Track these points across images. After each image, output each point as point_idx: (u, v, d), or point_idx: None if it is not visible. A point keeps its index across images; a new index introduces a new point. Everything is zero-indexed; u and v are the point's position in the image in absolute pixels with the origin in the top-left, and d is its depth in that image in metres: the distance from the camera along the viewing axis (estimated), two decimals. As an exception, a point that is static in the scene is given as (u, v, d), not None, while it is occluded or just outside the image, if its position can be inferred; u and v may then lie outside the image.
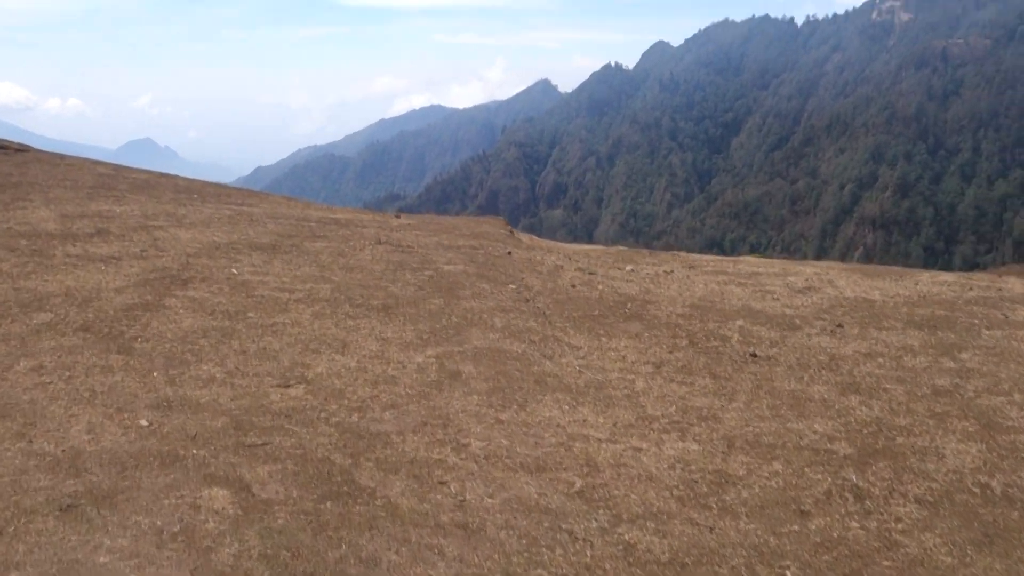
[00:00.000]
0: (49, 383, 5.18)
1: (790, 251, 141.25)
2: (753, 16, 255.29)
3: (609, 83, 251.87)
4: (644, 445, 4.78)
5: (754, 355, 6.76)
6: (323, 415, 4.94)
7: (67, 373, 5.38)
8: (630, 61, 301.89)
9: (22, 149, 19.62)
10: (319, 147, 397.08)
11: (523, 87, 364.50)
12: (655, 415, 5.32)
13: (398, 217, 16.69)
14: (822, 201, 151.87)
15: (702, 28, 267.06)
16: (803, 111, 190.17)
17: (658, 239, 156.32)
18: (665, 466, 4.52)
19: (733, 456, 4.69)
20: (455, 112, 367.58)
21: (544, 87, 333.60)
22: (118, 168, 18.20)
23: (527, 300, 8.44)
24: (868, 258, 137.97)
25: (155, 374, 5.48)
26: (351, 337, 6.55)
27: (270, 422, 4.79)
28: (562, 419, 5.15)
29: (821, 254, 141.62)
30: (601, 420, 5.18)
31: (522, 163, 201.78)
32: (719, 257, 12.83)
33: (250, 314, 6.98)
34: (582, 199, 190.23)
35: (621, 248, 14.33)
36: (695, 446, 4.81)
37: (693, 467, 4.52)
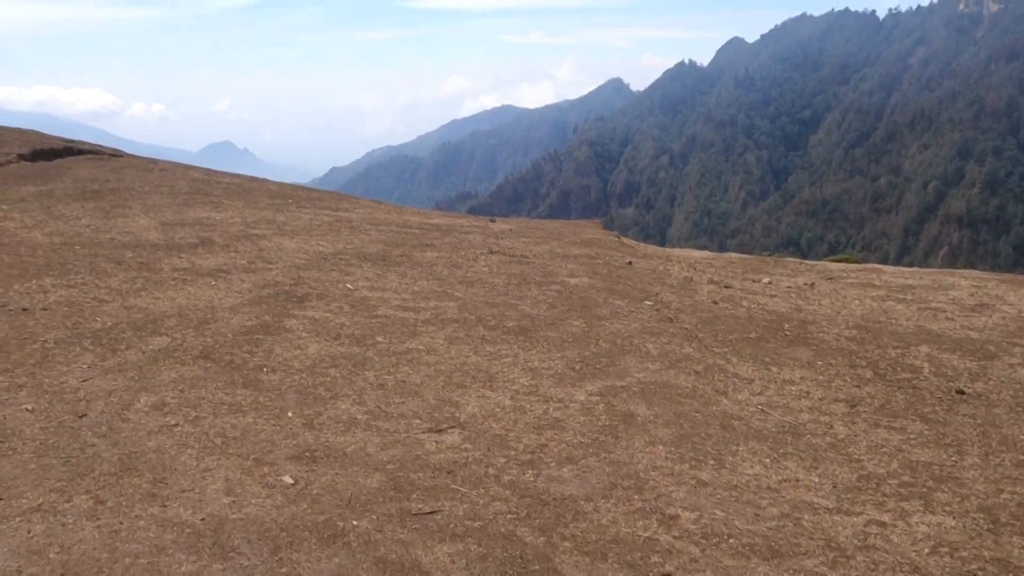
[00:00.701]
0: (175, 426, 4.55)
1: (871, 250, 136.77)
2: (832, 10, 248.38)
3: (682, 81, 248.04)
4: (886, 518, 3.89)
5: (961, 392, 5.77)
6: (491, 471, 4.18)
7: (193, 413, 4.75)
8: (704, 58, 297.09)
9: (115, 154, 19.55)
10: (391, 148, 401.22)
11: (594, 86, 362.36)
12: (878, 473, 4.41)
13: (493, 222, 15.98)
14: (905, 199, 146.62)
15: (779, 23, 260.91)
16: (885, 106, 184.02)
17: (732, 237, 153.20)
18: (926, 550, 3.62)
19: (1004, 537, 3.77)
20: (525, 112, 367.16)
21: (616, 86, 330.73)
22: (210, 173, 17.92)
23: (670, 320, 7.58)
24: (954, 257, 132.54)
25: (289, 414, 4.81)
26: (496, 367, 5.80)
27: (432, 480, 4.05)
28: (770, 479, 4.28)
29: (904, 253, 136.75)
30: (816, 479, 4.30)
31: (594, 162, 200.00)
32: (857, 266, 11.73)
33: (379, 338, 6.28)
34: (655, 198, 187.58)
35: (744, 257, 13.31)
36: (950, 521, 3.90)
37: (963, 553, 3.61)
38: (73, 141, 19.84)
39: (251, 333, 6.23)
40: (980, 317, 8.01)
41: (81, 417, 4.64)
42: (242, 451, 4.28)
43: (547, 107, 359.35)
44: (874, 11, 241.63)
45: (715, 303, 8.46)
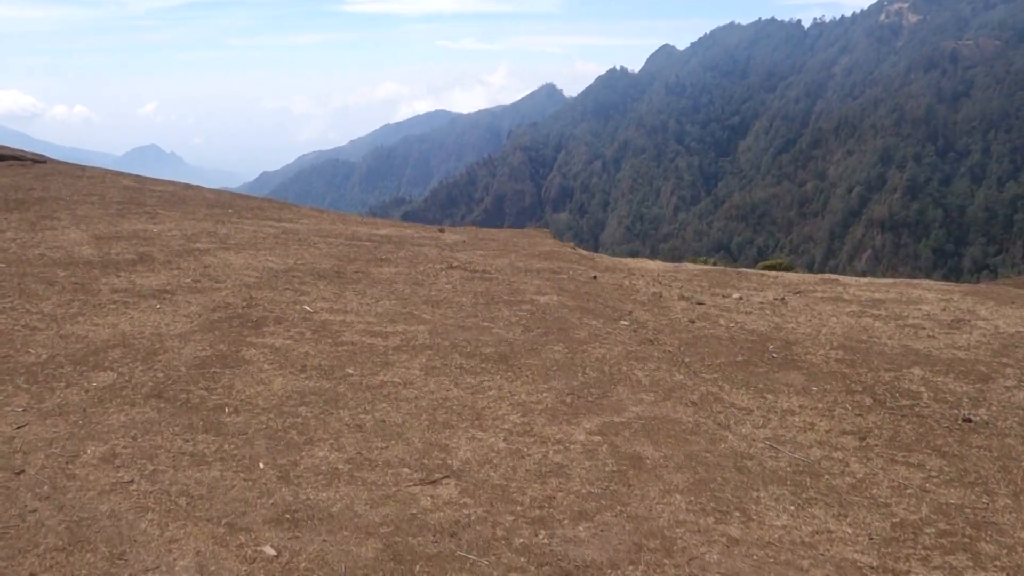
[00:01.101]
0: (130, 483, 3.95)
1: (798, 253, 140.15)
2: (759, 19, 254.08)
3: (614, 87, 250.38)
4: (935, 577, 3.56)
5: (968, 420, 5.53)
6: (499, 532, 3.70)
7: (150, 466, 4.15)
8: (635, 65, 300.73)
9: (39, 160, 18.44)
10: (323, 152, 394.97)
11: (527, 92, 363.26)
12: (912, 520, 4.09)
13: (443, 232, 15.50)
14: (830, 204, 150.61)
15: (708, 31, 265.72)
16: (811, 114, 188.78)
17: (665, 242, 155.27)
18: (989, 616, 3.30)
19: (1065, 594, 3.48)
20: (459, 117, 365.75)
21: (548, 91, 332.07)
22: (141, 180, 16.99)
23: (651, 342, 7.21)
24: (877, 260, 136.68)
25: (261, 464, 4.25)
26: (481, 402, 5.32)
27: (434, 546, 3.56)
28: (801, 531, 3.92)
29: (829, 256, 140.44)
30: (849, 530, 3.95)
31: (528, 167, 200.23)
32: (817, 277, 11.58)
33: (348, 370, 5.74)
34: (588, 203, 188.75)
35: (705, 269, 13.08)
36: (1003, 578, 3.59)
37: (1029, 617, 3.30)
38: (-9, 145, 18.64)
39: (207, 365, 5.62)
40: (961, 334, 7.86)
41: (18, 474, 4.00)
42: (212, 514, 3.72)
43: (481, 112, 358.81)
44: (799, 21, 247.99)
45: (692, 322, 8.13)
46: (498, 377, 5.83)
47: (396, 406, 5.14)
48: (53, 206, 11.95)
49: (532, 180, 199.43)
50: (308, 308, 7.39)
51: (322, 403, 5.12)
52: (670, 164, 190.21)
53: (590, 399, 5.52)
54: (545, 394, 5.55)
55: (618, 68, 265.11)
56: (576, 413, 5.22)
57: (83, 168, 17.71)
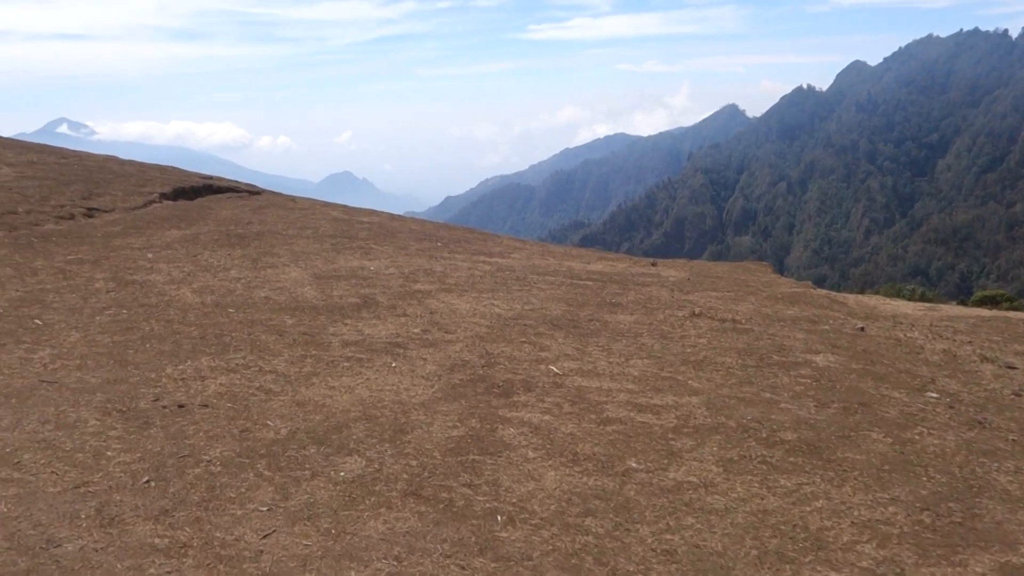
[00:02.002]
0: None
1: (1007, 280, 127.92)
2: (961, 31, 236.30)
3: (801, 106, 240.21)
4: None
5: None
6: None
7: (425, 607, 3.25)
8: (823, 83, 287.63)
9: (253, 191, 18.86)
10: (505, 177, 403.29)
11: (709, 113, 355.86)
12: None
13: (655, 265, 14.29)
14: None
15: (903, 46, 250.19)
16: (1020, 129, 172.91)
17: (856, 267, 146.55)
18: None
19: None
20: (639, 140, 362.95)
21: (731, 112, 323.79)
22: (349, 211, 16.89)
23: (982, 425, 5.70)
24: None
25: (562, 614, 3.26)
26: (812, 520, 4.07)
27: None
28: None
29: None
30: None
31: (708, 189, 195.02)
32: None
33: (630, 462, 4.66)
34: (772, 225, 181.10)
35: (978, 312, 11.17)
36: None
37: None
38: (211, 178, 19.26)
39: (462, 450, 4.71)
40: None
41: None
42: None
43: (661, 134, 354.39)
44: (1006, 30, 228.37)
45: (1017, 395, 6.51)
46: (817, 478, 4.57)
47: (706, 523, 4.00)
48: (271, 241, 11.78)
49: (713, 203, 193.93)
50: (555, 369, 6.42)
51: (612, 512, 4.07)
52: (861, 185, 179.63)
53: (955, 519, 4.15)
54: (891, 509, 4.24)
55: (805, 86, 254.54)
56: (951, 543, 3.88)
57: (293, 199, 17.90)
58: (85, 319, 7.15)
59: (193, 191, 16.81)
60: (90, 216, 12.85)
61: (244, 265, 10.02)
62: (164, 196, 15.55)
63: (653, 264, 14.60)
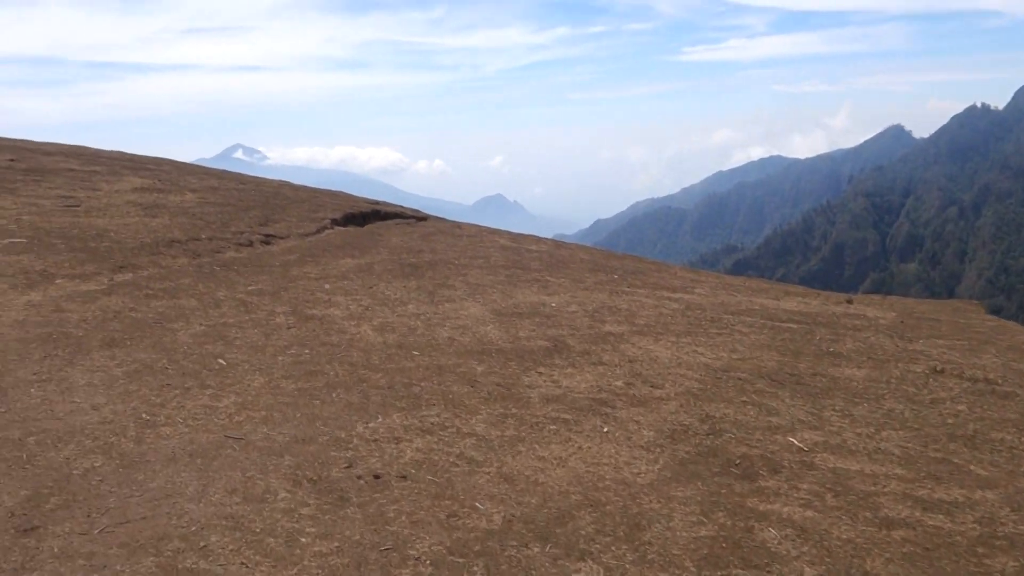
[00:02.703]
0: None
1: None
2: None
3: (973, 126, 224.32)
4: None
5: None
6: None
7: None
8: (999, 101, 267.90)
9: (419, 217, 18.66)
10: (656, 200, 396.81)
11: (871, 134, 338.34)
12: None
13: (851, 303, 12.84)
14: None
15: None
16: None
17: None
18: None
19: None
20: (796, 162, 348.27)
21: (895, 133, 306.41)
22: (516, 239, 16.31)
23: None
24: None
25: None
26: None
27: None
28: None
29: None
30: None
31: (871, 214, 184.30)
32: None
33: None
34: (941, 252, 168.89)
35: None
36: None
37: None
38: (378, 203, 19.23)
39: (720, 562, 3.73)
40: None
41: None
42: None
43: (819, 157, 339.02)
44: None
45: None
46: None
47: None
48: (444, 272, 11.28)
49: (875, 228, 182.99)
50: (796, 442, 5.40)
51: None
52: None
53: None
54: None
55: (978, 105, 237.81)
56: None
57: (459, 226, 17.53)
58: (268, 359, 6.74)
59: (362, 217, 16.75)
60: (267, 243, 12.82)
61: (421, 299, 9.51)
62: (335, 222, 15.50)
63: (848, 302, 13.15)
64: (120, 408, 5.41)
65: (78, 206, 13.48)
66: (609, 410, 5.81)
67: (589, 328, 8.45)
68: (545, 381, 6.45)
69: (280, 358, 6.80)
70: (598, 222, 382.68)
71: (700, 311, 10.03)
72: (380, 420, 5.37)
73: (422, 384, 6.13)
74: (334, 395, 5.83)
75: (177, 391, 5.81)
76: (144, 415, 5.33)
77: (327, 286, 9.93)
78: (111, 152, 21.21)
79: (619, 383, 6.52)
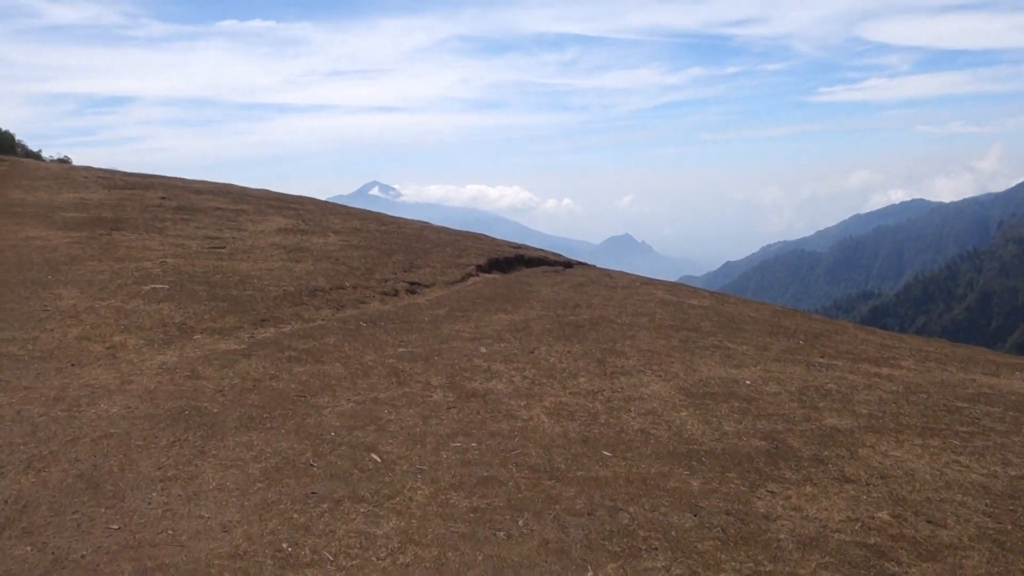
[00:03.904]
0: None
1: None
2: None
3: None
4: None
5: None
6: None
7: None
8: None
9: (563, 263, 17.36)
10: (788, 243, 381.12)
11: (1023, 178, 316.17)
12: None
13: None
14: None
15: None
16: None
17: None
18: None
19: None
20: (940, 206, 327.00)
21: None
22: (673, 291, 14.71)
23: None
24: None
25: None
26: None
27: None
28: None
29: None
30: None
31: (1022, 262, 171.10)
32: None
33: None
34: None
35: None
36: None
37: None
38: (520, 247, 18.09)
39: None
40: None
41: None
42: None
43: (965, 200, 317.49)
44: None
45: None
46: None
47: None
48: (609, 333, 9.85)
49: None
50: None
51: None
52: None
53: None
54: None
55: None
56: None
57: (610, 275, 16.10)
58: (429, 455, 5.47)
59: (506, 262, 15.62)
60: (413, 291, 11.78)
61: (592, 369, 8.10)
62: (480, 268, 14.39)
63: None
64: (256, 531, 4.22)
65: (223, 248, 12.86)
66: (895, 568, 4.19)
67: (805, 420, 6.80)
68: (784, 507, 4.88)
69: (444, 454, 5.51)
70: (727, 264, 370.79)
71: (925, 396, 8.18)
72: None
73: (630, 510, 4.69)
74: (521, 523, 4.46)
75: (326, 505, 4.58)
76: (285, 544, 4.11)
77: (483, 349, 8.68)
78: (257, 190, 20.99)
79: (884, 515, 4.87)
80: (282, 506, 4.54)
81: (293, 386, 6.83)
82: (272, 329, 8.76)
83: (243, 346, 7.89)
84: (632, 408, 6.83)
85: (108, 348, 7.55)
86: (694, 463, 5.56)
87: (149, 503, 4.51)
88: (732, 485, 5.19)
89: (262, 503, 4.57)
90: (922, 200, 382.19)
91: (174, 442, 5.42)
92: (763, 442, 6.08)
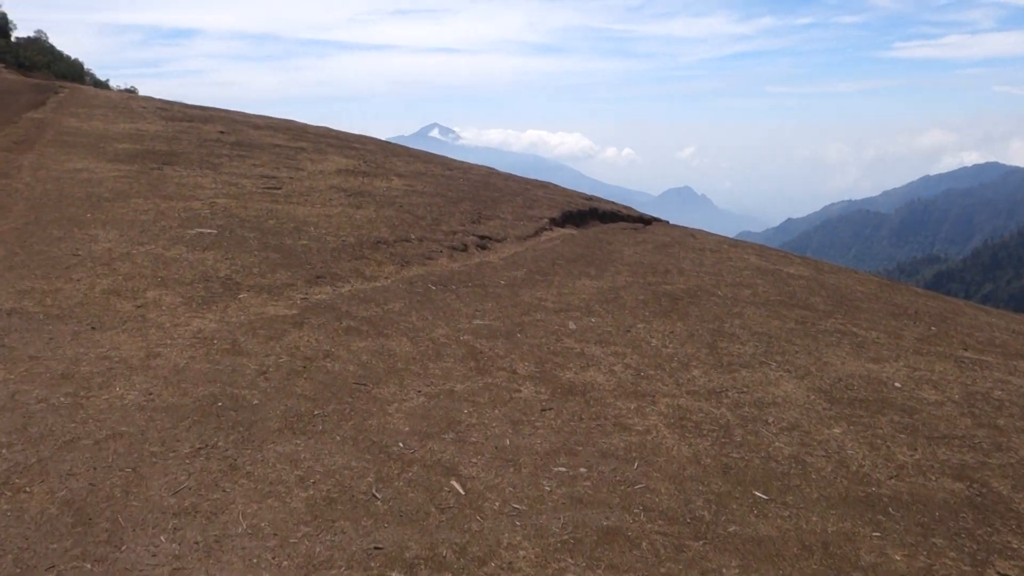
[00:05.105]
0: None
1: None
2: None
3: None
4: None
5: None
6: None
7: None
8: None
9: (642, 220, 15.70)
10: (853, 202, 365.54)
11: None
12: None
13: None
14: None
15: None
16: None
17: None
18: None
19: None
20: (1015, 170, 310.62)
21: None
22: (763, 254, 13.02)
23: None
24: None
25: None
26: None
27: None
28: None
29: None
30: None
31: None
32: None
33: None
34: None
35: None
36: None
37: None
38: (592, 199, 16.45)
39: None
40: None
41: None
42: None
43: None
44: None
45: None
46: None
47: None
48: (712, 308, 8.28)
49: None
50: None
51: None
52: None
53: None
54: None
55: None
56: None
57: (692, 235, 14.40)
58: (527, 486, 4.06)
59: (579, 215, 14.06)
60: (483, 247, 10.31)
61: (703, 357, 6.57)
62: (553, 222, 12.87)
63: None
64: (296, 622, 2.87)
65: (278, 189, 11.50)
66: None
67: (995, 448, 5.19)
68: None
69: (545, 484, 4.08)
70: (788, 221, 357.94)
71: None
72: None
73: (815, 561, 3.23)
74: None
75: (395, 575, 3.21)
76: (337, 648, 2.75)
77: (572, 325, 7.20)
78: (317, 128, 19.60)
79: None
80: (334, 572, 3.16)
81: (351, 368, 5.45)
82: (328, 288, 7.39)
83: (294, 311, 6.53)
84: (769, 419, 5.32)
85: (138, 306, 6.25)
86: (880, 517, 4.05)
87: (153, 555, 3.17)
88: (946, 560, 3.67)
89: (306, 562, 3.20)
90: (996, 163, 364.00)
91: (199, 449, 4.08)
92: (957, 483, 4.52)
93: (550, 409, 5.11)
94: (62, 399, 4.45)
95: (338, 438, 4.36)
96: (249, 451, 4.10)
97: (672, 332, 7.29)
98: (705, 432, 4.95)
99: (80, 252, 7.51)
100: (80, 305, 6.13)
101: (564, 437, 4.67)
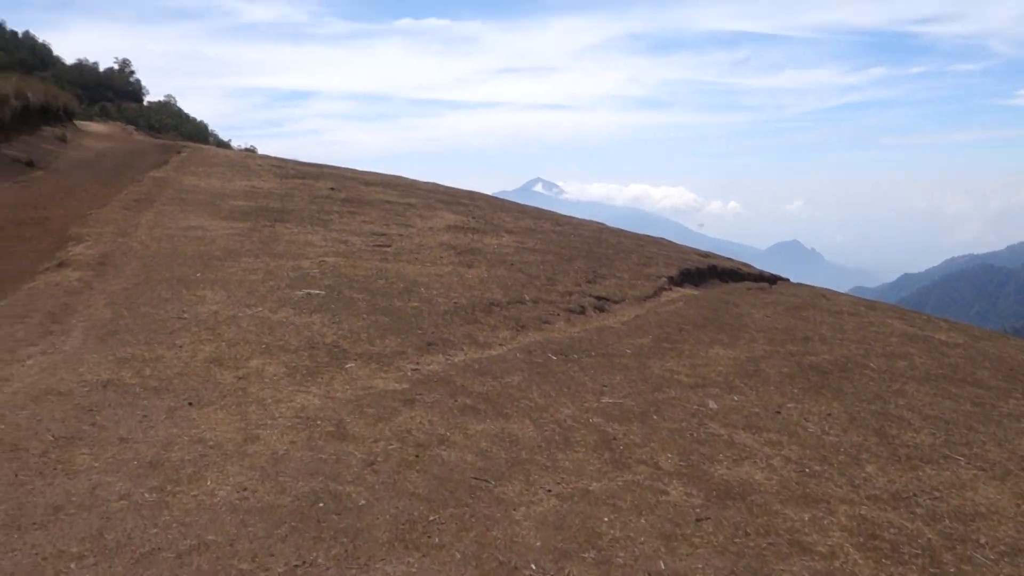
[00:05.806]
0: None
1: None
2: None
3: None
4: None
5: None
6: None
7: None
8: None
9: (769, 280, 14.55)
10: (975, 256, 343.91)
11: None
12: None
13: None
14: None
15: None
16: None
17: None
18: None
19: None
20: None
21: None
22: (907, 319, 11.59)
23: None
24: None
25: None
26: None
27: None
28: None
29: None
30: None
31: None
32: None
33: None
34: None
35: None
36: None
37: None
38: (709, 256, 15.38)
39: None
40: None
41: None
42: None
43: None
44: None
45: None
46: None
47: None
48: (869, 386, 7.13)
49: None
50: None
51: None
52: None
53: None
54: None
55: None
56: None
57: (824, 295, 13.14)
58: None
59: (698, 274, 13.06)
60: (601, 309, 9.47)
61: (874, 448, 5.48)
62: (671, 280, 11.92)
63: None
64: None
65: (388, 246, 11.01)
66: None
67: None
68: None
69: (718, 633, 3.17)
70: (905, 276, 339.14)
71: None
72: None
73: None
74: None
75: None
76: None
77: (713, 405, 6.23)
78: (426, 184, 19.35)
79: None
80: None
81: (469, 459, 4.67)
82: (441, 357, 6.68)
83: (405, 385, 5.83)
84: (982, 539, 4.21)
85: (239, 378, 5.68)
86: None
87: None
88: None
89: None
90: None
91: (295, 567, 3.36)
92: None
93: (707, 519, 4.18)
94: (147, 495, 3.83)
95: (458, 555, 3.56)
96: (353, 572, 3.34)
97: (829, 414, 6.23)
98: (907, 558, 3.91)
99: (186, 315, 7.08)
100: (180, 376, 5.61)
101: (731, 561, 3.73)
